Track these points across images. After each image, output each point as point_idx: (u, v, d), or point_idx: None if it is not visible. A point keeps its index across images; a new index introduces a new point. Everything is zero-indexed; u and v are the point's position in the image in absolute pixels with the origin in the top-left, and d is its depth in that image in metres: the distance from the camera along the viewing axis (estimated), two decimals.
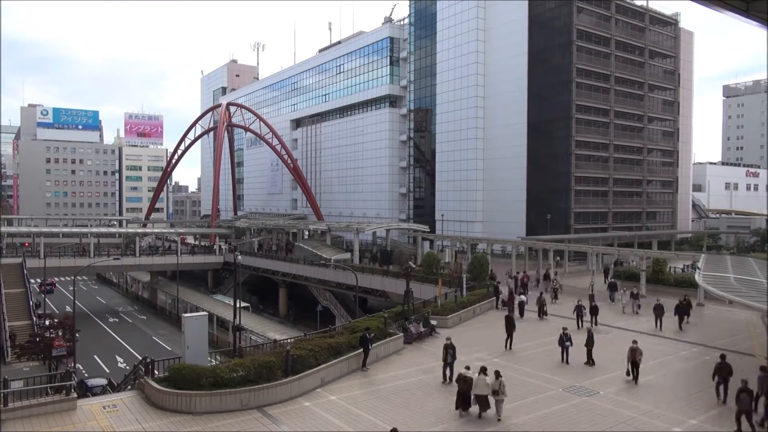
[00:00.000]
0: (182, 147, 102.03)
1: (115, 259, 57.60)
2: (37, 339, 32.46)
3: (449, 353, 20.43)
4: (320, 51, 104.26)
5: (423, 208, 79.65)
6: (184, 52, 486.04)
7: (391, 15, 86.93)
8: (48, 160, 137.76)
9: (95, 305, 69.67)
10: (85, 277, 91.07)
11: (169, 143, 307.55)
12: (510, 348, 24.98)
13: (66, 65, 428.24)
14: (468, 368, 17.69)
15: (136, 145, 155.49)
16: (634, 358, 19.92)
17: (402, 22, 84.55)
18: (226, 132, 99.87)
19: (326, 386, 20.00)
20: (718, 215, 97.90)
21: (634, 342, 20.44)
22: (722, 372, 18.09)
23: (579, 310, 28.92)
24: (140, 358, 24.85)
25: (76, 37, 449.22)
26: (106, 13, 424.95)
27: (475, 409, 17.14)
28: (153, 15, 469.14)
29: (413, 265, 42.84)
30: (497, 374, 16.94)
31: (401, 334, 25.81)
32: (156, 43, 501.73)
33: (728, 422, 16.62)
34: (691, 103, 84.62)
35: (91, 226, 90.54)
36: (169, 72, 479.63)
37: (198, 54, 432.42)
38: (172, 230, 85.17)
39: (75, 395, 17.65)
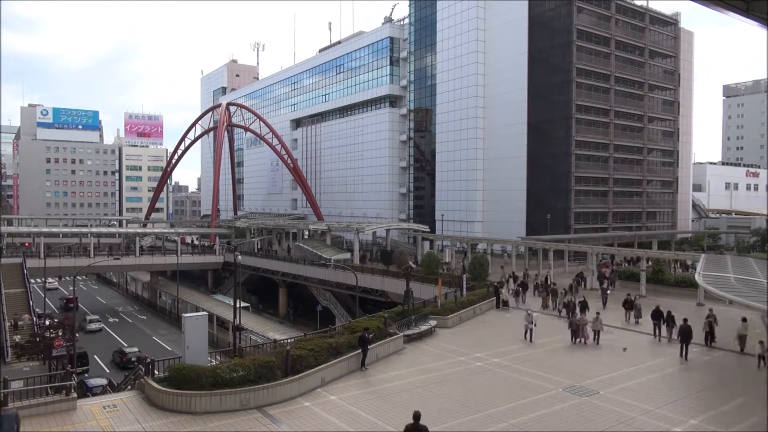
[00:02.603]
0: (182, 147, 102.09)
1: (115, 259, 57.66)
2: (37, 339, 32.42)
3: None
4: (320, 51, 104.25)
5: (423, 208, 79.63)
6: (184, 52, 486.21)
7: (391, 15, 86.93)
8: (48, 160, 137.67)
9: (95, 305, 69.66)
10: (85, 277, 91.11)
11: (168, 144, 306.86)
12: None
13: (55, 69, 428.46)
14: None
15: (136, 145, 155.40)
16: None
17: (402, 22, 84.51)
18: (226, 132, 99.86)
19: (326, 386, 19.99)
20: (718, 215, 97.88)
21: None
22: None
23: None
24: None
25: (68, 39, 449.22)
26: (101, 14, 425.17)
27: None
28: (153, 15, 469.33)
29: (413, 265, 42.86)
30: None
31: (401, 333, 25.81)
32: (155, 43, 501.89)
33: (728, 423, 16.63)
34: (691, 103, 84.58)
35: (91, 226, 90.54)
36: (168, 72, 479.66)
37: (198, 54, 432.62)
38: (172, 230, 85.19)
39: (75, 395, 17.65)
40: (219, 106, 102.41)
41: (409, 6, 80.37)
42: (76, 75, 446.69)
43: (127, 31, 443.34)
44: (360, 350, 22.07)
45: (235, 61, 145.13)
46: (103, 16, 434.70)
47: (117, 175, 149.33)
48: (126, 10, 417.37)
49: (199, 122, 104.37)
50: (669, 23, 76.97)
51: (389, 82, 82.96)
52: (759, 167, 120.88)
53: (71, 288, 53.63)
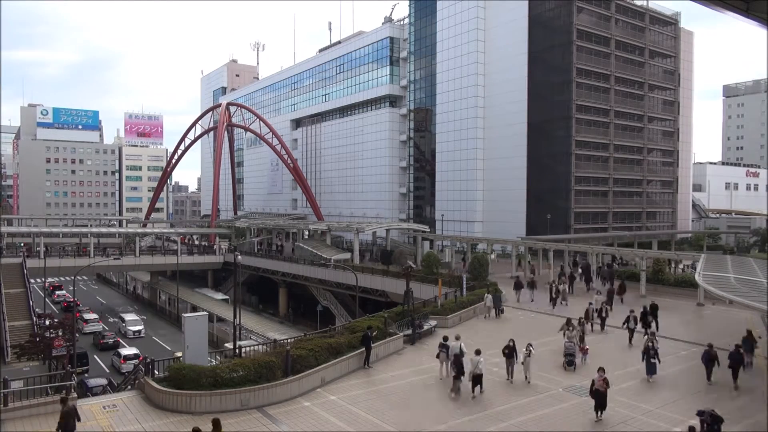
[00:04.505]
0: (182, 147, 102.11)
1: (115, 259, 57.66)
2: (37, 339, 32.45)
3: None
4: (320, 51, 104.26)
5: (423, 208, 79.64)
6: (184, 52, 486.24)
7: (391, 15, 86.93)
8: (48, 160, 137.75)
9: (95, 305, 69.63)
10: (85, 277, 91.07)
11: (168, 144, 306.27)
12: None
13: (49, 72, 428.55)
14: None
15: (136, 145, 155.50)
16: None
17: (402, 22, 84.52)
18: (226, 132, 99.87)
19: (326, 386, 20.01)
20: (718, 215, 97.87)
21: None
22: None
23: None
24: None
25: (64, 41, 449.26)
26: (99, 14, 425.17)
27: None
28: (152, 16, 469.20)
29: (413, 265, 42.83)
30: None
31: (401, 333, 25.82)
32: (155, 43, 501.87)
33: (729, 422, 16.61)
34: (691, 102, 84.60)
35: (91, 226, 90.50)
36: (168, 73, 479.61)
37: (198, 54, 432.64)
38: (172, 230, 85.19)
39: (75, 395, 17.65)
40: (219, 106, 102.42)
41: (409, 6, 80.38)
42: (74, 77, 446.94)
43: (125, 32, 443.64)
44: (363, 349, 22.14)
45: (235, 61, 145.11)
46: (100, 16, 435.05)
47: (117, 175, 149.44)
48: (123, 11, 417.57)
49: (199, 122, 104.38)
50: (669, 23, 76.95)
51: (389, 82, 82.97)
52: (759, 167, 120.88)
53: (72, 288, 53.60)
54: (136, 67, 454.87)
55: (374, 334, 22.91)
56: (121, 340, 49.56)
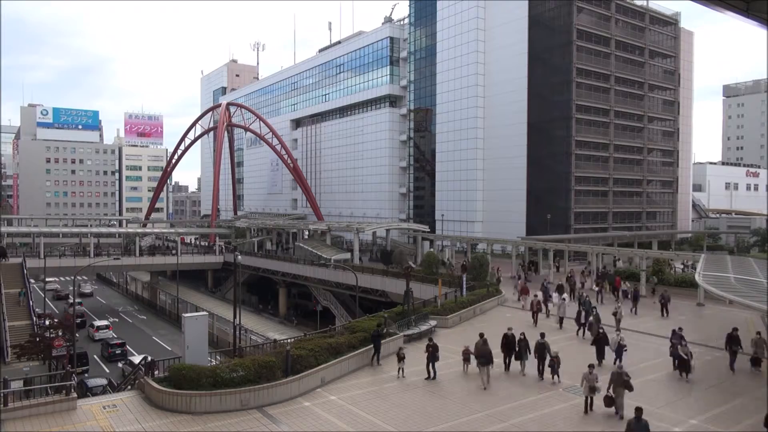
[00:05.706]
0: (182, 147, 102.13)
1: (115, 259, 57.67)
2: (37, 339, 32.44)
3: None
4: (320, 51, 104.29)
5: (423, 208, 79.64)
6: (183, 52, 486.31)
7: (391, 15, 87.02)
8: (48, 160, 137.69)
9: (95, 305, 69.65)
10: (85, 277, 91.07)
11: (168, 144, 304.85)
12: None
13: (43, 73, 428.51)
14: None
15: (136, 145, 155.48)
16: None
17: (402, 22, 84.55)
18: (226, 132, 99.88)
19: (326, 386, 20.01)
20: (718, 215, 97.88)
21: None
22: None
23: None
24: (140, 358, 24.87)
25: (67, 41, 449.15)
26: (98, 14, 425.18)
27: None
28: (152, 15, 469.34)
29: (413, 265, 42.85)
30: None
31: (401, 333, 25.82)
32: (154, 43, 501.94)
33: (728, 423, 16.63)
34: (691, 102, 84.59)
35: (91, 226, 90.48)
36: (168, 73, 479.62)
37: (198, 54, 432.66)
38: (172, 230, 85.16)
39: (75, 395, 17.66)
40: (219, 106, 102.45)
41: (409, 6, 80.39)
42: (70, 80, 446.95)
43: (123, 33, 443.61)
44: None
45: (235, 61, 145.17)
46: (99, 17, 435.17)
47: (117, 175, 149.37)
48: (121, 11, 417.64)
49: (199, 122, 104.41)
50: (669, 23, 76.96)
51: (389, 82, 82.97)
52: (759, 167, 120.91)
53: (71, 288, 53.60)
54: (135, 69, 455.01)
55: (384, 331, 22.99)
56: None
